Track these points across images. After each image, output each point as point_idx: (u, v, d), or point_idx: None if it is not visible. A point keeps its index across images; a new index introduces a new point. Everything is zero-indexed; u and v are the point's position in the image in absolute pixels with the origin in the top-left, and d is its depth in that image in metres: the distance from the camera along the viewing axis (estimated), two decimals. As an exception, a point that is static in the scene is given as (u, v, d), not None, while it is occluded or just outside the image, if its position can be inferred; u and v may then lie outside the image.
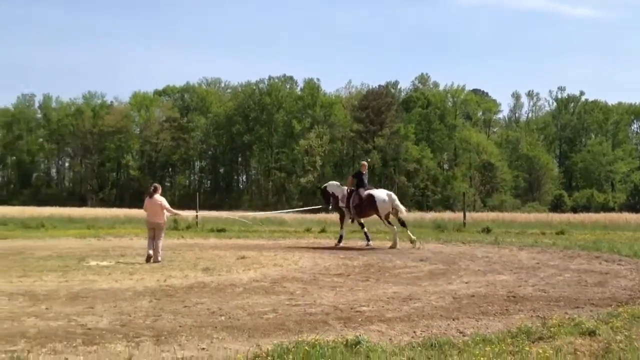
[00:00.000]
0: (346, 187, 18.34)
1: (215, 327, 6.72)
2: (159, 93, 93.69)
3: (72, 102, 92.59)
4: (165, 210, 13.87)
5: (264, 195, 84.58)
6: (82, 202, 75.44)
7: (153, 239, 13.55)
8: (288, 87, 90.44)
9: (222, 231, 24.33)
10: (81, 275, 11.02)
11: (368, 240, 18.00)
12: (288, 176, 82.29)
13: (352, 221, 18.57)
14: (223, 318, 7.27)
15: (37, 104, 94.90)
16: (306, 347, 5.49)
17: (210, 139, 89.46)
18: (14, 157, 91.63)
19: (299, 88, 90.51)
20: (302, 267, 12.62)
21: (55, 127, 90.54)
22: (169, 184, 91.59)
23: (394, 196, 17.68)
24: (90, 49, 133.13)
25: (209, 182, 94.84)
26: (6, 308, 7.81)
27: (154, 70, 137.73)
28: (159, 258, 13.42)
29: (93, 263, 13.04)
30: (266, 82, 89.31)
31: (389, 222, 17.64)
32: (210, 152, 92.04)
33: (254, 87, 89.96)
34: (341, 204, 18.19)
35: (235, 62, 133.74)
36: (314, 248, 17.30)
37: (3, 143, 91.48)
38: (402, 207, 17.66)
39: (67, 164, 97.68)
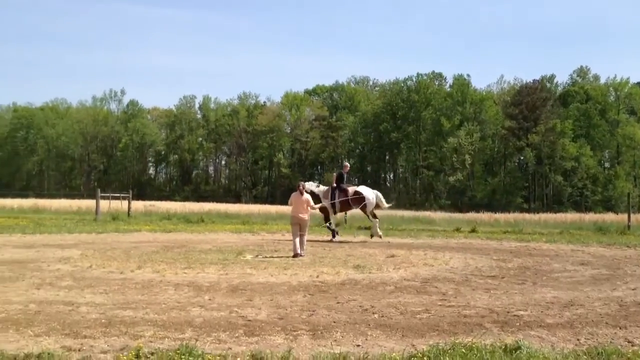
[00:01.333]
0: (325, 186, 20.75)
1: (369, 325, 6.78)
2: (309, 92, 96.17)
3: (228, 103, 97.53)
4: (309, 207, 14.42)
5: (412, 194, 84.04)
6: (237, 198, 79.17)
7: (298, 234, 14.01)
8: (437, 83, 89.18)
9: (369, 229, 24.41)
10: (239, 269, 11.54)
11: (334, 235, 19.41)
12: (436, 175, 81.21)
13: (335, 213, 20.29)
14: (376, 316, 7.31)
15: (197, 105, 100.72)
16: (463, 350, 5.39)
17: (358, 137, 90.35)
18: (176, 156, 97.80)
19: (448, 84, 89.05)
20: (453, 267, 12.40)
21: (213, 126, 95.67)
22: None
23: (379, 193, 20.45)
24: (245, 51, 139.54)
25: (356, 180, 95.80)
26: (173, 298, 8.35)
27: (304, 70, 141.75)
28: (303, 253, 13.94)
29: (249, 257, 13.63)
30: (414, 79, 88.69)
31: (374, 216, 19.97)
32: (357, 151, 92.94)
33: (402, 85, 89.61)
34: (325, 201, 19.72)
35: (383, 60, 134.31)
36: (464, 248, 16.94)
37: (166, 142, 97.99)
38: (385, 204, 20.52)
39: (223, 162, 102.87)
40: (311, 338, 6.15)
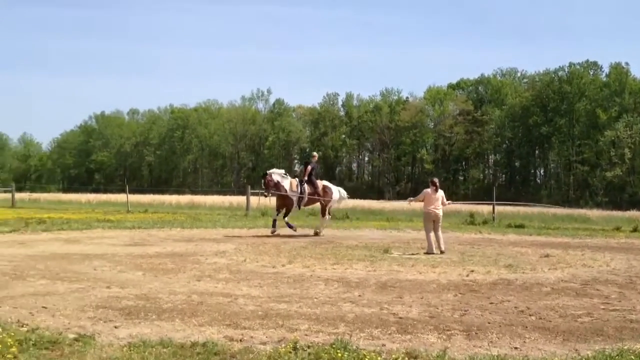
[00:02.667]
0: (291, 178, 19.30)
1: (526, 327, 6.53)
2: (452, 87, 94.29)
3: (371, 99, 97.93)
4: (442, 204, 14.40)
5: (564, 190, 79.93)
6: (379, 194, 79.36)
7: (433, 231, 13.92)
8: (592, 73, 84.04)
9: (520, 227, 23.63)
10: (387, 266, 11.55)
11: (291, 227, 18.66)
12: (591, 170, 76.45)
13: (299, 208, 19.47)
14: (533, 318, 7.03)
15: (340, 102, 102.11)
16: (632, 357, 5.05)
17: (505, 132, 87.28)
18: (320, 152, 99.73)
19: (604, 74, 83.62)
20: (615, 269, 11.62)
21: (356, 123, 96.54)
22: (462, 178, 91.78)
23: (342, 190, 20.42)
24: (387, 47, 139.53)
25: (503, 175, 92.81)
26: (324, 293, 8.51)
27: (448, 64, 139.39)
28: (443, 248, 13.83)
29: (396, 254, 13.60)
30: (566, 70, 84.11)
31: (328, 212, 19.63)
32: (505, 145, 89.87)
33: (553, 75, 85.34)
34: (291, 193, 18.77)
35: (532, 50, 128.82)
36: (626, 249, 15.86)
37: (310, 139, 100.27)
38: (346, 198, 20.82)
39: (366, 159, 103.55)
40: (465, 338, 6.02)
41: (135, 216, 26.93)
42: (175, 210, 33.17)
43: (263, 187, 18.99)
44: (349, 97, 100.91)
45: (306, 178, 19.25)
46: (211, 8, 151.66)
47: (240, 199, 36.97)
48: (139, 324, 6.30)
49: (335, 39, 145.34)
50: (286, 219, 18.82)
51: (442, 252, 13.65)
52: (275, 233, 18.15)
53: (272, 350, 5.33)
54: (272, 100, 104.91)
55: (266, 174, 18.98)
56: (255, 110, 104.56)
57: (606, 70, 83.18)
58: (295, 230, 18.57)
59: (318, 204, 19.61)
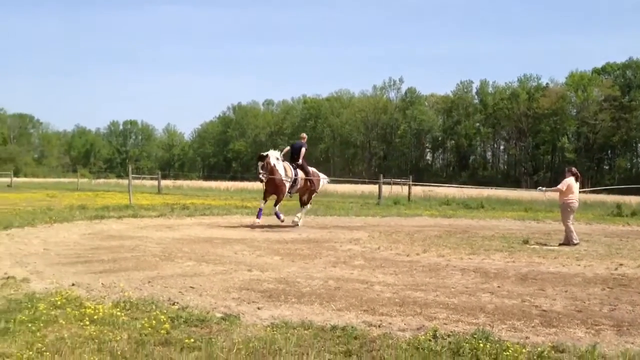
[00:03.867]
0: (285, 162, 17.07)
1: (684, 326, 6.07)
2: (597, 71, 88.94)
3: (507, 86, 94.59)
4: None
5: None
6: (516, 184, 76.75)
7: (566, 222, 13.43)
8: None
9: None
10: (526, 257, 11.15)
11: (279, 217, 16.78)
12: None
13: (290, 195, 17.58)
14: (690, 316, 6.52)
15: (474, 90, 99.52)
16: None
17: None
18: (453, 142, 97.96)
19: None
20: None
21: (491, 111, 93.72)
22: (607, 167, 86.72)
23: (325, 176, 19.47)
24: (524, 32, 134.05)
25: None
26: (461, 282, 8.36)
27: (591, 48, 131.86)
28: (574, 240, 13.17)
29: (536, 245, 13.10)
30: None
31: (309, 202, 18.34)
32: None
33: None
34: (286, 179, 16.76)
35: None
36: None
37: (443, 128, 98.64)
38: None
39: (501, 147, 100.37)
40: (616, 334, 5.70)
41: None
42: (309, 198, 33.78)
43: (261, 170, 16.38)
44: (484, 84, 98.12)
45: (301, 162, 17.41)
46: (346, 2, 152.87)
47: (372, 188, 37.12)
48: (280, 306, 6.51)
49: (470, 25, 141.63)
50: (276, 207, 16.93)
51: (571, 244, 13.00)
52: (258, 224, 16.05)
53: (411, 337, 5.31)
54: (404, 89, 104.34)
55: (265, 155, 16.52)
56: (386, 100, 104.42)
57: None
58: (282, 221, 16.72)
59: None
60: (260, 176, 16.39)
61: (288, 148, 17.84)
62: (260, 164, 16.42)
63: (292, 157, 17.50)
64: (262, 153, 16.83)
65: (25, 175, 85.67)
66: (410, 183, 33.07)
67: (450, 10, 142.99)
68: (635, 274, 9.29)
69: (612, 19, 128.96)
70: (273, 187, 16.71)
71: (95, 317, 5.56)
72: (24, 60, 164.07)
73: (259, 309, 6.34)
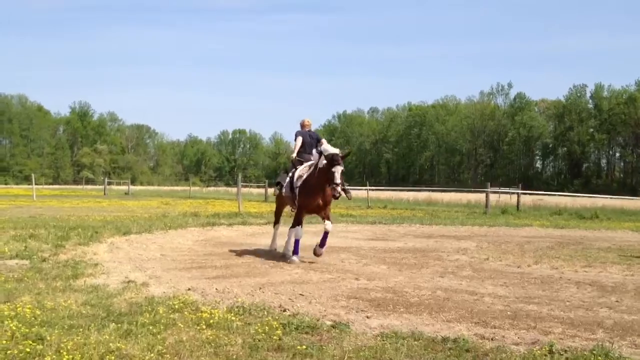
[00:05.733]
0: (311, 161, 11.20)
1: None
2: None
3: (624, 90, 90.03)
4: None
5: None
6: (633, 193, 72.77)
7: None
8: None
9: None
10: (646, 271, 10.57)
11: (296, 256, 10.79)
12: None
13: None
14: None
15: (588, 94, 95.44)
16: None
17: None
18: (565, 148, 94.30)
19: None
20: None
21: (606, 116, 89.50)
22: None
23: None
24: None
25: None
26: (576, 296, 8.04)
27: None
28: None
29: (657, 258, 12.38)
30: None
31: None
32: None
33: None
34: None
35: None
36: None
37: (554, 135, 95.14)
38: None
39: (617, 154, 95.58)
40: None
41: (375, 212, 27.83)
42: (413, 207, 33.58)
43: (339, 181, 10.13)
44: (599, 88, 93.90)
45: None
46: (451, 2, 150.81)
47: (479, 196, 36.37)
48: (389, 316, 6.52)
49: (584, 25, 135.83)
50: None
51: None
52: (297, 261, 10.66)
53: (526, 352, 5.18)
54: (512, 94, 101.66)
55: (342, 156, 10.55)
56: (494, 105, 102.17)
57: None
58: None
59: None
60: (339, 189, 10.10)
61: (300, 140, 11.59)
62: (339, 169, 10.20)
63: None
64: (333, 151, 10.55)
65: (141, 184, 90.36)
66: (519, 192, 32.11)
67: (566, 9, 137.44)
68: None
69: None
70: (324, 200, 10.81)
71: (211, 321, 5.79)
72: (141, 72, 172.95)
73: (367, 317, 6.38)
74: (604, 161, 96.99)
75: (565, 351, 5.16)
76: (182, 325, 5.64)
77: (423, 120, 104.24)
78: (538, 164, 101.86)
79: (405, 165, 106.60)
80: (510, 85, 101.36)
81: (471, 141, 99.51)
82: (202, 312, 6.14)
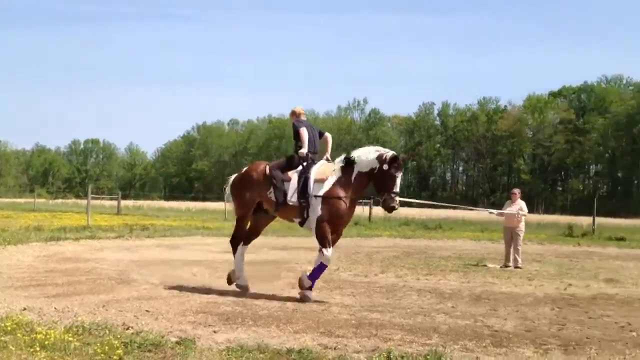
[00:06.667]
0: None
1: (626, 344, 6.31)
2: (554, 94, 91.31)
3: (467, 108, 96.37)
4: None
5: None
6: (473, 205, 77.80)
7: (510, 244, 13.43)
8: None
9: (622, 240, 22.62)
10: (481, 277, 11.41)
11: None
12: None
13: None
14: (634, 334, 6.79)
15: (436, 112, 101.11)
16: None
17: (609, 141, 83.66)
18: (414, 162, 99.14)
19: None
20: None
21: (452, 132, 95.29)
22: (560, 188, 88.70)
23: None
24: (486, 55, 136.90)
25: (605, 187, 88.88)
26: (417, 303, 8.51)
27: (549, 71, 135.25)
28: (519, 264, 13.21)
29: (491, 266, 13.38)
30: (675, 76, 79.97)
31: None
32: (607, 155, 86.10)
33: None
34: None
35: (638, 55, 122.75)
36: None
37: (405, 149, 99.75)
38: None
39: (461, 169, 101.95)
40: (563, 353, 5.88)
41: (232, 224, 27.59)
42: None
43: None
44: (445, 106, 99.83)
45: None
46: (310, 18, 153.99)
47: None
48: (237, 329, 6.54)
49: (432, 47, 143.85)
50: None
51: (512, 267, 13.15)
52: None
53: (365, 359, 5.41)
54: (367, 109, 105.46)
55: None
56: (350, 120, 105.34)
57: None
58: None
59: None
60: (398, 199, 8.59)
61: (306, 132, 9.34)
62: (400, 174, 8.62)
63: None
64: (386, 152, 8.76)
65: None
66: (371, 204, 33.29)
67: (417, 30, 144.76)
68: (584, 294, 9.60)
69: (569, 43, 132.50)
70: (351, 214, 9.15)
71: (46, 342, 5.49)
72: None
73: (215, 332, 6.36)
74: (448, 175, 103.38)
75: (402, 357, 5.43)
76: (13, 348, 5.31)
77: (283, 133, 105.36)
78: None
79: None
80: (365, 101, 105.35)
81: (332, 157, 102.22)
82: (37, 333, 5.80)
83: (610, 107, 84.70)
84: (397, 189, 8.44)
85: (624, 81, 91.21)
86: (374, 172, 8.52)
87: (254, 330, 6.53)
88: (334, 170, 8.83)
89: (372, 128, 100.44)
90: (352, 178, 8.66)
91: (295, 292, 8.98)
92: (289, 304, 8.14)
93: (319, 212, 8.55)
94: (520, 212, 13.56)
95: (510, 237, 13.49)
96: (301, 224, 8.98)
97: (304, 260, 13.64)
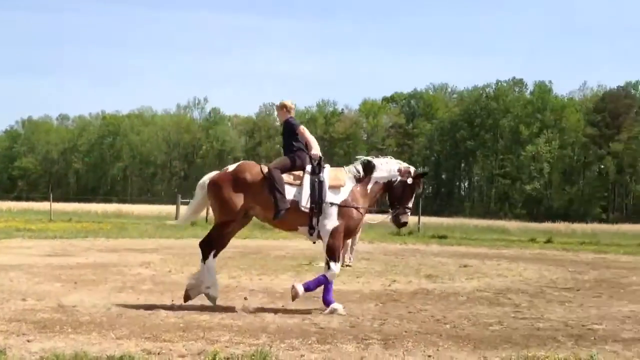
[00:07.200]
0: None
1: (440, 335, 6.75)
2: (387, 100, 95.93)
3: (306, 110, 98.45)
4: None
5: (486, 203, 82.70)
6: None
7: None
8: (517, 90, 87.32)
9: (443, 238, 24.31)
10: (312, 276, 11.63)
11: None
12: (512, 183, 79.61)
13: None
14: (448, 326, 7.28)
15: (275, 113, 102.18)
16: (536, 363, 5.32)
17: (435, 145, 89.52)
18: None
19: (528, 91, 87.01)
20: (528, 278, 12.23)
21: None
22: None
23: None
24: (324, 59, 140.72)
25: (430, 188, 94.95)
26: (248, 303, 8.53)
27: (383, 77, 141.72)
28: (351, 262, 13.63)
29: (322, 264, 13.73)
30: (493, 86, 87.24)
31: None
32: (433, 158, 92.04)
33: (481, 92, 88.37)
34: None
35: (463, 66, 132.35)
36: (539, 259, 16.57)
37: (245, 149, 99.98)
38: None
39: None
40: (382, 347, 6.17)
41: (57, 225, 26.14)
42: (102, 220, 32.37)
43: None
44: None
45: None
46: (146, 13, 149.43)
47: (170, 208, 36.45)
48: (53, 338, 6.16)
49: (275, 48, 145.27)
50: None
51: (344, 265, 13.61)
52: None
53: (189, 362, 5.34)
54: (208, 108, 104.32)
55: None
56: (190, 119, 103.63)
57: (531, 87, 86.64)
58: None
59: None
60: (407, 218, 8.63)
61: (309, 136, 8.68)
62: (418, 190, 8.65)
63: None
64: (407, 166, 8.60)
65: None
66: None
67: (259, 31, 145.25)
68: (406, 290, 10.18)
69: (399, 51, 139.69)
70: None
71: None
72: None
73: (28, 341, 5.94)
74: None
75: (228, 358, 5.43)
76: None
77: (117, 130, 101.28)
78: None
79: (96, 176, 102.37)
80: (206, 100, 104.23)
81: (166, 153, 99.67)
82: None
83: (436, 114, 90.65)
84: (411, 204, 8.30)
85: (449, 89, 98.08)
86: (392, 184, 8.26)
87: (72, 338, 6.19)
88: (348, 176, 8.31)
89: (212, 127, 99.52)
90: (368, 187, 8.28)
91: (122, 297, 8.67)
92: (114, 308, 7.82)
93: (335, 222, 8.03)
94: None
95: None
96: (311, 233, 8.23)
97: (133, 263, 13.19)
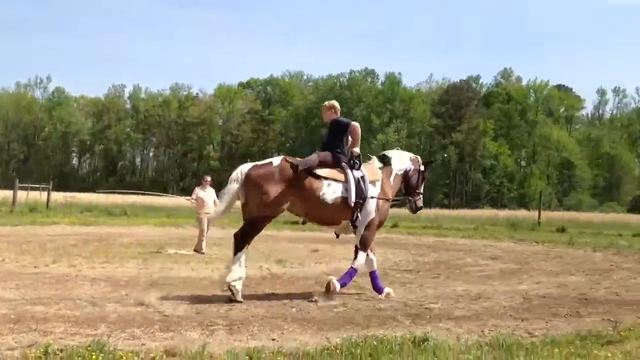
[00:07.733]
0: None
1: (286, 319, 6.85)
2: (243, 85, 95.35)
3: (159, 94, 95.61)
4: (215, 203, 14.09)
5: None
6: (164, 190, 77.83)
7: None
8: (369, 81, 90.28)
9: (296, 223, 24.64)
10: (160, 263, 11.42)
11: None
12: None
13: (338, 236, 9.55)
14: (294, 310, 7.41)
15: (126, 95, 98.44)
16: (374, 342, 5.54)
17: (290, 132, 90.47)
18: (102, 146, 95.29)
19: (379, 82, 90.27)
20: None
21: (143, 117, 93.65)
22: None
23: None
24: (179, 42, 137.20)
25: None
26: (89, 293, 8.17)
27: (239, 63, 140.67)
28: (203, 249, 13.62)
29: (172, 251, 13.48)
30: (347, 76, 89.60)
31: None
32: (288, 145, 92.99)
33: (335, 81, 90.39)
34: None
35: (320, 55, 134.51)
36: (385, 243, 17.26)
37: (92, 132, 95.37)
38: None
39: (151, 154, 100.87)
40: (227, 333, 6.16)
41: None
42: None
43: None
44: (137, 89, 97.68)
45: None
46: None
47: (7, 194, 33.99)
48: None
49: (126, 29, 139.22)
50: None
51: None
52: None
53: (19, 356, 5.01)
54: (51, 88, 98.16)
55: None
56: (31, 98, 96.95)
57: (382, 78, 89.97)
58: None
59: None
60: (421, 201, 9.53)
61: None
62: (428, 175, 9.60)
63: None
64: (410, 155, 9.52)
65: None
66: (50, 189, 31.17)
67: (110, 11, 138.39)
68: (256, 275, 10.18)
69: (256, 37, 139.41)
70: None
71: None
72: None
73: None
74: (138, 160, 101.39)
75: (62, 350, 5.15)
76: None
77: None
78: (75, 161, 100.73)
79: None
80: (49, 79, 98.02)
81: (4, 134, 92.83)
82: None
83: (292, 101, 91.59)
84: (422, 189, 9.25)
85: (305, 77, 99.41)
86: (407, 174, 9.02)
87: None
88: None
89: (55, 108, 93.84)
90: (391, 179, 8.85)
91: None
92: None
93: (373, 215, 8.43)
94: (217, 201, 13.85)
95: (207, 223, 13.68)
96: (354, 225, 8.46)
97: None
